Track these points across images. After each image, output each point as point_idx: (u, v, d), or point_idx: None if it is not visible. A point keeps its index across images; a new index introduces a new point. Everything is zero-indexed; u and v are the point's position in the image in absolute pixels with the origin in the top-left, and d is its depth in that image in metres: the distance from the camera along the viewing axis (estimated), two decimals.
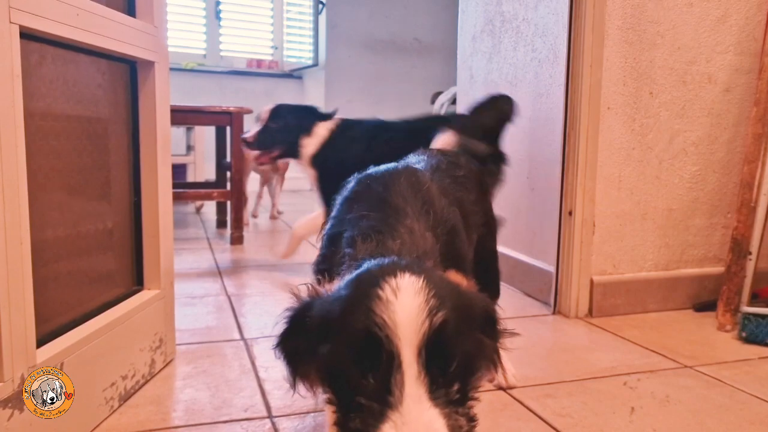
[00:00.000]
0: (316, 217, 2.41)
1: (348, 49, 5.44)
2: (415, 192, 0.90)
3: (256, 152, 2.53)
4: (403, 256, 0.75)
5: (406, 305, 0.59)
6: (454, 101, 3.68)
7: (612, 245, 1.93)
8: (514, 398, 1.31)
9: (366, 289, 0.62)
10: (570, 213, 1.90)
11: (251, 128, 2.53)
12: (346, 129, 2.37)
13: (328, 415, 1.00)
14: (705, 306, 1.95)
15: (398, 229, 0.81)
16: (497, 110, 1.78)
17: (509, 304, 1.98)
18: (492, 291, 1.36)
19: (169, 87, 1.44)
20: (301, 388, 0.74)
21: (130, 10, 1.33)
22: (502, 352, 0.73)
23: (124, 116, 1.37)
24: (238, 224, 3.11)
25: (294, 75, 5.59)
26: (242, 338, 1.69)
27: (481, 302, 0.70)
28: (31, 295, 0.97)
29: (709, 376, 1.44)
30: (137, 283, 1.42)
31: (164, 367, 1.45)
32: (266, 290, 2.24)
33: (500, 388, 1.35)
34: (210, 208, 4.20)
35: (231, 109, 3.13)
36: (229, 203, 3.33)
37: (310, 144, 2.37)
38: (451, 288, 0.66)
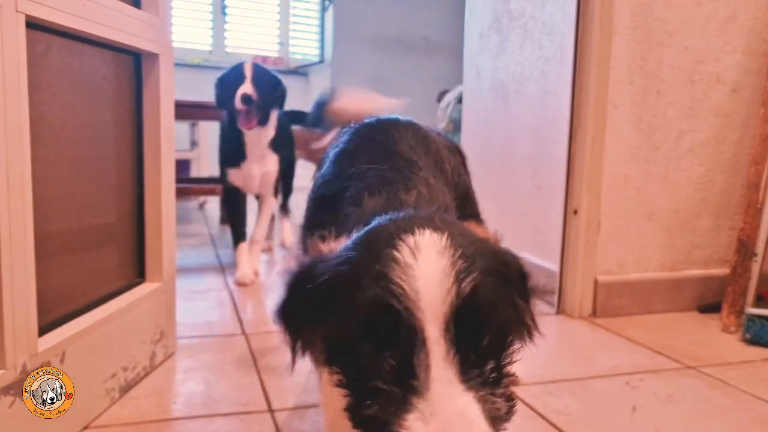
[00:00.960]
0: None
1: (354, 46, 5.43)
2: (425, 146, 0.80)
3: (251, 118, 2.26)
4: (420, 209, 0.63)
5: (428, 269, 0.49)
6: (460, 100, 3.67)
7: (617, 245, 1.92)
8: (516, 396, 1.31)
9: (379, 251, 0.52)
10: (575, 212, 1.89)
11: (243, 84, 2.24)
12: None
13: (321, 399, 0.92)
14: (710, 308, 1.94)
15: (412, 179, 0.70)
16: None
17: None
18: None
19: (174, 80, 1.44)
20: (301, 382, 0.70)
21: (136, 2, 1.33)
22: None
23: (128, 108, 1.37)
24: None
25: (300, 72, 5.58)
26: (243, 333, 1.68)
27: (513, 259, 0.59)
28: (34, 283, 0.97)
29: (713, 377, 1.43)
30: (139, 275, 1.42)
31: (165, 359, 1.45)
32: (268, 286, 2.25)
33: None
34: (213, 205, 4.21)
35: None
36: None
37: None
38: (480, 244, 0.55)
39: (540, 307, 1.95)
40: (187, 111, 3.19)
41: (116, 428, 1.13)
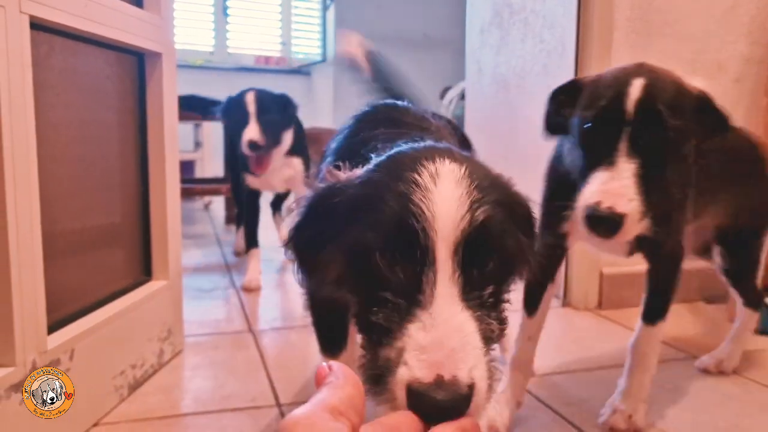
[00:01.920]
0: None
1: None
2: (426, 121, 0.87)
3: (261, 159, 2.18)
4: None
5: (445, 195, 0.53)
6: (463, 96, 3.67)
7: None
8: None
9: (401, 173, 0.55)
10: None
11: (248, 125, 2.12)
12: None
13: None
14: (716, 298, 1.94)
15: (427, 132, 0.76)
16: None
17: (517, 296, 1.98)
18: None
19: (176, 79, 1.45)
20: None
21: (137, 1, 1.34)
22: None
23: (131, 107, 1.38)
24: None
25: (302, 71, 5.59)
26: (250, 330, 1.69)
27: (523, 199, 0.63)
28: (42, 282, 0.98)
29: None
30: (145, 273, 1.43)
31: (173, 357, 1.46)
32: (274, 284, 2.25)
33: None
34: (218, 205, 4.22)
35: None
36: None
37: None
38: (495, 180, 0.59)
39: None
40: (190, 112, 3.19)
41: (125, 425, 1.15)
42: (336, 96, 5.28)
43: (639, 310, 1.20)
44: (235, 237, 2.85)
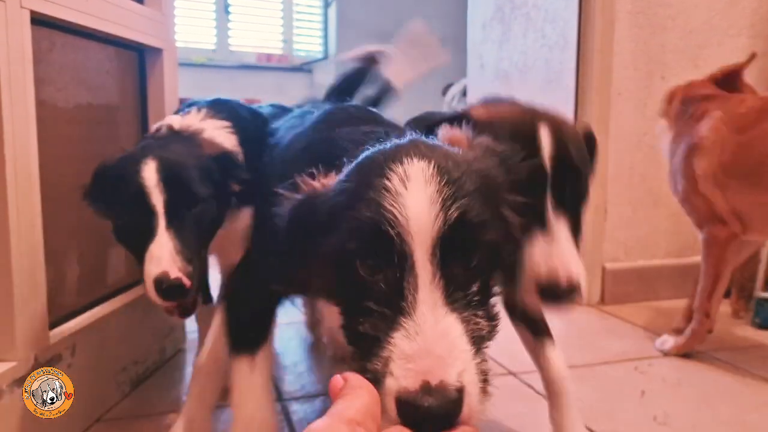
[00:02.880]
0: None
1: (358, 41, 5.38)
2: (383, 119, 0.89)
3: None
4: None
5: (417, 197, 0.52)
6: (465, 93, 3.66)
7: (624, 232, 1.91)
8: (524, 383, 1.31)
9: (371, 180, 0.54)
10: None
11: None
12: None
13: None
14: None
15: (387, 125, 0.77)
16: None
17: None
18: None
19: (177, 75, 1.45)
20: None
21: None
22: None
23: (132, 103, 1.38)
24: None
25: (304, 69, 5.58)
26: None
27: (496, 168, 0.61)
28: (44, 277, 0.98)
29: (722, 361, 1.43)
30: None
31: (175, 354, 1.46)
32: None
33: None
34: None
35: None
36: None
37: None
38: (465, 166, 0.57)
39: None
40: None
41: (128, 420, 1.15)
42: None
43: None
44: None
